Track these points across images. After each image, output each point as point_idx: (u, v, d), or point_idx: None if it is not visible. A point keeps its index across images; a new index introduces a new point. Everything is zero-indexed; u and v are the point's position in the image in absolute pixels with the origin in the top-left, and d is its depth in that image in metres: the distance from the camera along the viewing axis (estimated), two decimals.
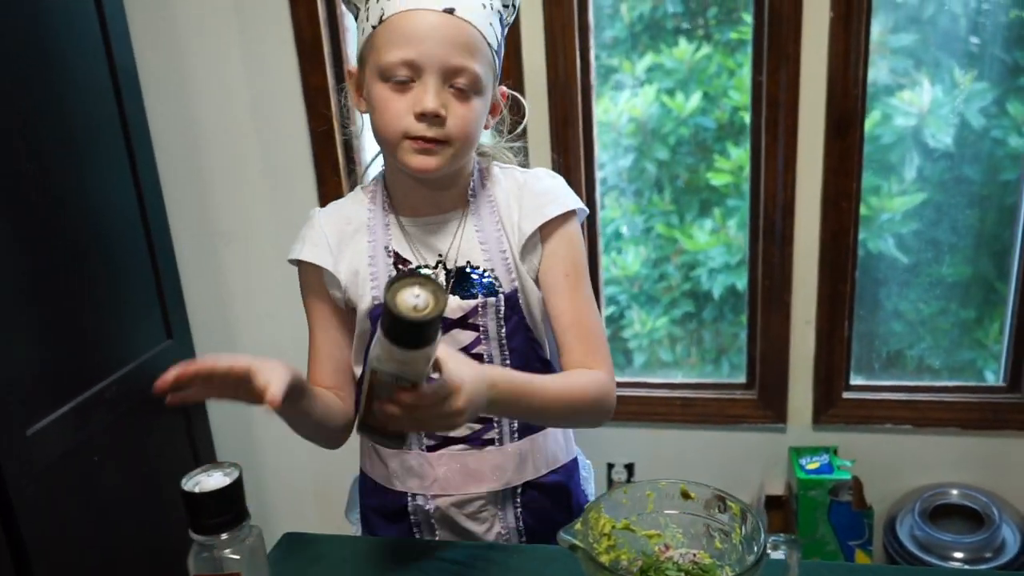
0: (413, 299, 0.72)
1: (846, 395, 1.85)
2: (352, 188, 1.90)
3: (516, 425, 1.04)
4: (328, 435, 1.03)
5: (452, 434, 1.02)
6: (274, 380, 0.81)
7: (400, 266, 1.02)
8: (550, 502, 1.08)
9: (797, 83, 1.63)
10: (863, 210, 1.81)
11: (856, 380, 1.89)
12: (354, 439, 1.12)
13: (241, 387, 0.82)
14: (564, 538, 0.77)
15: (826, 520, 1.77)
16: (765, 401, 1.87)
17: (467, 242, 1.02)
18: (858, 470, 1.80)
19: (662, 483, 0.87)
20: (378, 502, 1.10)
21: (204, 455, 1.91)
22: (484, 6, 0.94)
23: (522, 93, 1.40)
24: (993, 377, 1.88)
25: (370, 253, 1.02)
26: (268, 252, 1.98)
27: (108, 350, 1.66)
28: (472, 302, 1.00)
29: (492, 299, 1.00)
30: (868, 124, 1.76)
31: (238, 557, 0.75)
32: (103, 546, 1.63)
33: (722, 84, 1.83)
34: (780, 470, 1.92)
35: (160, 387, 0.81)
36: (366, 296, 1.01)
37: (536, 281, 1.03)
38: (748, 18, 1.73)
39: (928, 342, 1.90)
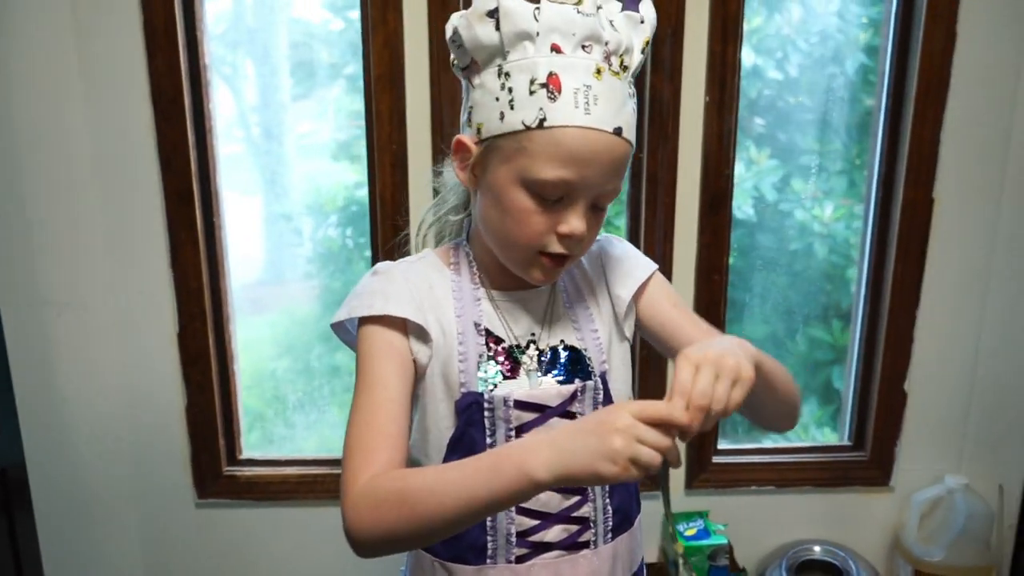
0: None
1: (715, 459, 1.92)
2: (210, 252, 1.76)
3: (610, 523, 0.98)
4: None
5: (547, 539, 0.95)
6: None
7: (492, 344, 0.94)
8: None
9: (676, 162, 1.70)
10: None
11: (722, 444, 1.97)
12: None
13: None
14: None
15: None
16: None
17: (559, 319, 0.98)
18: (728, 532, 1.86)
19: None
20: None
21: (28, 562, 1.63)
22: (634, 110, 0.88)
23: None
24: (835, 435, 2.03)
25: (459, 329, 0.93)
26: (108, 324, 1.76)
27: None
28: (570, 387, 0.94)
29: (590, 382, 0.95)
30: None
31: None
32: None
33: None
34: (654, 537, 1.94)
35: None
36: (452, 374, 0.91)
37: (633, 337, 1.03)
38: None
39: None
